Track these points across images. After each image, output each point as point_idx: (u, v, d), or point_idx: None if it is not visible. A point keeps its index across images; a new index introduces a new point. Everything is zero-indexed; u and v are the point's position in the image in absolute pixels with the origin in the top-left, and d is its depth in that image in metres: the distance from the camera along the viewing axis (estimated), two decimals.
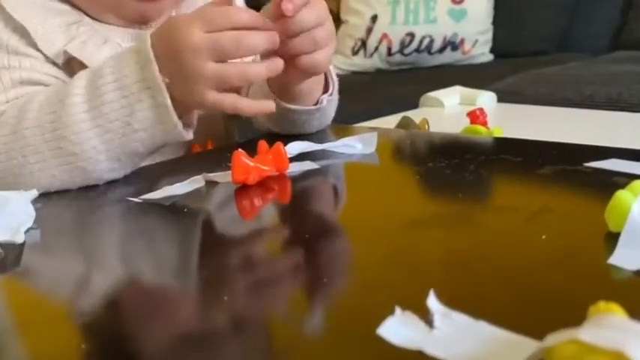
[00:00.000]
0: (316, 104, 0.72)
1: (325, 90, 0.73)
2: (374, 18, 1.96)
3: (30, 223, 0.49)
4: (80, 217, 0.56)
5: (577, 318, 0.27)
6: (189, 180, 0.57)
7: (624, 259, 0.37)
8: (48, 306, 0.40)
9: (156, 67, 0.56)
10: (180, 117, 0.58)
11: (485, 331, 0.30)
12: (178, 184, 0.56)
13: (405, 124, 0.90)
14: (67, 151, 0.57)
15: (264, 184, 0.56)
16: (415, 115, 0.96)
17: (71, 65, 0.65)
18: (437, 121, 0.94)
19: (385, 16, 1.95)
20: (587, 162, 0.56)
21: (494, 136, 0.83)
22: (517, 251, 0.41)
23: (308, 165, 0.61)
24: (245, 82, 0.60)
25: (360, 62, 1.98)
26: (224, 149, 0.65)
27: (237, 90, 0.60)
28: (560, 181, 0.54)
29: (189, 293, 0.39)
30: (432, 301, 0.32)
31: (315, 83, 0.70)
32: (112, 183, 0.60)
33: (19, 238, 0.46)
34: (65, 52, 0.64)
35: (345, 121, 0.83)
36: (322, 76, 0.72)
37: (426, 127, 0.91)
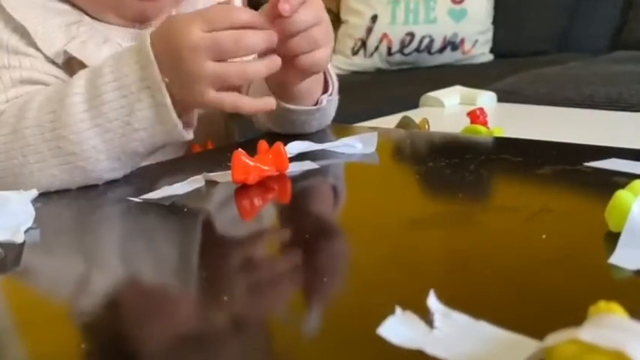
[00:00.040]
0: (316, 104, 0.72)
1: (325, 90, 0.73)
2: (374, 18, 1.96)
3: (30, 223, 0.49)
4: (80, 217, 0.56)
5: (577, 318, 0.27)
6: (189, 180, 0.57)
7: (624, 259, 0.37)
8: (48, 306, 0.40)
9: (156, 67, 0.56)
10: (179, 116, 0.58)
11: (485, 331, 0.30)
12: (178, 184, 0.56)
13: (405, 123, 0.90)
14: (67, 151, 0.57)
15: (264, 184, 0.56)
16: (415, 115, 0.96)
17: (71, 65, 0.65)
18: (437, 121, 0.94)
19: (385, 16, 1.95)
20: (587, 162, 0.56)
21: (494, 135, 0.83)
22: (517, 251, 0.41)
23: (308, 165, 0.61)
24: (245, 80, 0.60)
25: (360, 62, 1.98)
26: (224, 149, 0.65)
27: (237, 89, 0.60)
28: (560, 181, 0.54)
29: (189, 293, 0.39)
30: (432, 301, 0.32)
31: (314, 83, 0.70)
32: (112, 183, 0.60)
33: (19, 238, 0.46)
34: (65, 51, 0.64)
35: (345, 121, 0.83)
36: (321, 77, 0.72)
37: (426, 126, 0.91)
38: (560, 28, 2.01)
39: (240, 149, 0.55)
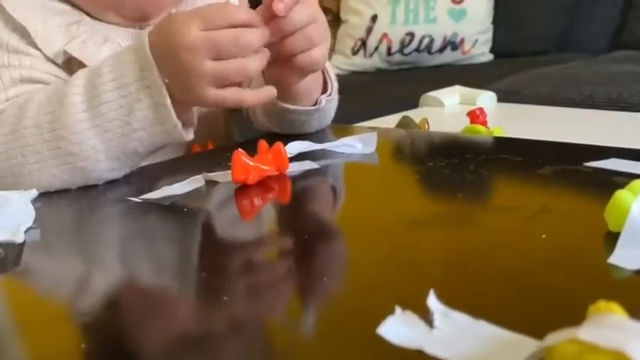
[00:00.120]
0: (315, 104, 0.72)
1: (324, 90, 0.73)
2: (374, 18, 1.96)
3: (30, 223, 0.49)
4: (80, 216, 0.56)
5: (577, 318, 0.27)
6: (189, 180, 0.57)
7: (624, 259, 0.37)
8: (48, 306, 0.40)
9: (155, 67, 0.56)
10: (179, 116, 0.58)
11: (485, 330, 0.30)
12: (178, 184, 0.56)
13: (405, 123, 0.90)
14: (66, 151, 0.57)
15: (264, 184, 0.56)
16: (415, 114, 0.96)
17: (71, 65, 0.65)
18: (437, 121, 0.94)
19: (385, 16, 1.95)
20: (587, 162, 0.56)
21: (494, 135, 0.83)
22: (517, 251, 0.41)
23: (308, 165, 0.61)
24: (245, 77, 0.59)
25: (360, 62, 1.98)
26: (224, 149, 0.65)
27: (238, 86, 0.60)
28: (560, 181, 0.54)
29: (189, 293, 0.39)
30: (432, 301, 0.32)
31: (313, 83, 0.70)
32: (112, 183, 0.60)
33: (19, 238, 0.46)
34: (65, 52, 0.64)
35: (345, 121, 0.83)
36: (320, 77, 0.72)
37: (426, 126, 0.91)
38: (560, 28, 2.01)
39: (240, 149, 0.55)
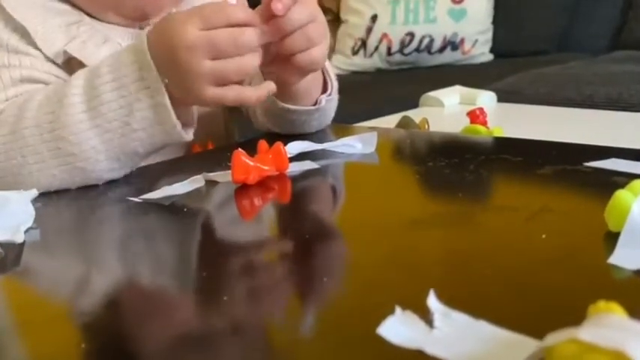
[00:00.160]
0: (315, 104, 0.72)
1: (324, 90, 0.73)
2: (374, 18, 1.96)
3: (30, 223, 0.49)
4: (80, 217, 0.56)
5: (577, 318, 0.27)
6: (189, 180, 0.57)
7: (624, 259, 0.37)
8: (48, 306, 0.40)
9: (154, 67, 0.56)
10: (179, 117, 0.58)
11: (485, 330, 0.30)
12: (178, 184, 0.56)
13: (405, 123, 0.90)
14: (66, 152, 0.57)
15: (264, 184, 0.56)
16: (415, 114, 0.96)
17: (71, 65, 0.65)
18: (437, 121, 0.94)
19: (385, 16, 1.95)
20: (587, 162, 0.56)
21: (494, 135, 0.83)
22: (517, 251, 0.41)
23: (308, 165, 0.61)
24: (243, 75, 0.59)
25: (360, 62, 1.98)
26: (224, 149, 0.65)
27: (238, 84, 0.59)
28: (560, 181, 0.54)
29: (189, 293, 0.39)
30: (432, 301, 0.32)
31: (313, 83, 0.70)
32: (112, 183, 0.60)
33: (19, 238, 0.46)
34: (65, 52, 0.64)
35: (345, 121, 0.83)
36: (320, 77, 0.72)
37: (426, 126, 0.91)
38: (560, 28, 2.01)
39: (240, 149, 0.55)
